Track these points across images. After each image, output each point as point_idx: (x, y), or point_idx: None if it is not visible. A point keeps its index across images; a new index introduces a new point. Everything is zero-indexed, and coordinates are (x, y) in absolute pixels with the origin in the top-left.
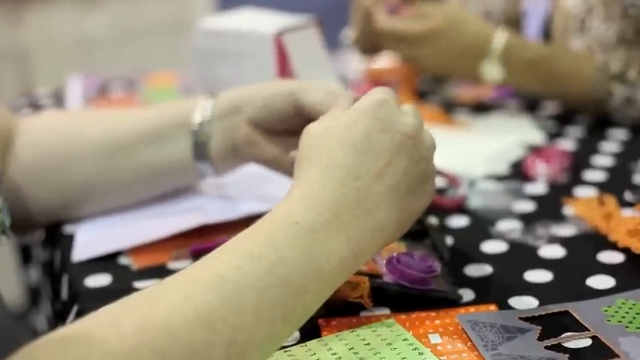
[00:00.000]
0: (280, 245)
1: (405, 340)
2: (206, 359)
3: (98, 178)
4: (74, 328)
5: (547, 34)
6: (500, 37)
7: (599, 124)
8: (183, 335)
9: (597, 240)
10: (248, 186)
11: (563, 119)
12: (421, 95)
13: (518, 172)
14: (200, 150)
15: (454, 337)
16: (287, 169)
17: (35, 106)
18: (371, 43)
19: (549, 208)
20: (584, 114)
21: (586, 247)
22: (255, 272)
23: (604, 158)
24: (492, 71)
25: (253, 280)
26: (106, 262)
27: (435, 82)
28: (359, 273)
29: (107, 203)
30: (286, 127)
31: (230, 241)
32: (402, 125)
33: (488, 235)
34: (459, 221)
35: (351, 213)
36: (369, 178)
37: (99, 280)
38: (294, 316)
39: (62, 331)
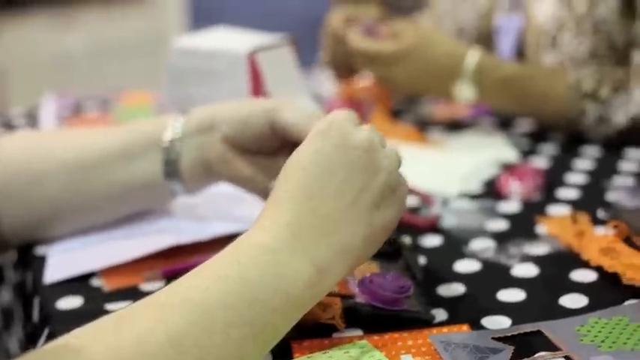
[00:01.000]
0: (244, 266)
1: None
2: None
3: (69, 197)
4: (42, 352)
5: (520, 50)
6: (472, 57)
7: (573, 141)
8: (155, 358)
9: (570, 259)
10: (220, 206)
11: (537, 137)
12: (395, 114)
13: (492, 191)
14: (171, 168)
15: (427, 357)
16: (260, 189)
17: (8, 126)
18: (343, 65)
19: (522, 226)
20: (558, 132)
21: (559, 265)
22: (221, 292)
23: (577, 176)
24: (465, 91)
25: (220, 300)
26: (78, 283)
27: (410, 100)
28: (331, 294)
29: (79, 222)
30: (261, 147)
31: (199, 266)
32: (355, 140)
33: (462, 255)
34: (432, 240)
35: (309, 232)
36: (325, 196)
37: (70, 302)
38: (264, 336)
39: (31, 355)
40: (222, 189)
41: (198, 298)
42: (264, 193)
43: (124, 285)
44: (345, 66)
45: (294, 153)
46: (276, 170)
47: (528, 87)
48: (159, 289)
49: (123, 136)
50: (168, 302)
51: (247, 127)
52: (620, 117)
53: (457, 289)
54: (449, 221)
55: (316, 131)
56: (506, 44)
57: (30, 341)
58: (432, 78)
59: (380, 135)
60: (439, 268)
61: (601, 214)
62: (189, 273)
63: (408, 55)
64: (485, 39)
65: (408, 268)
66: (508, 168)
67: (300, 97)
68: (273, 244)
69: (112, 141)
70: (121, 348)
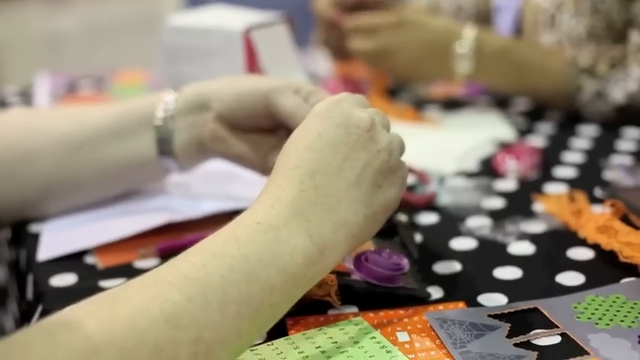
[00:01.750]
0: (243, 243)
1: (373, 338)
2: (172, 357)
3: (62, 175)
4: (37, 327)
5: (519, 30)
6: (469, 31)
7: (570, 120)
8: (149, 334)
9: (567, 236)
10: (214, 184)
11: (534, 116)
12: (392, 93)
13: (488, 169)
14: (164, 145)
15: (422, 335)
16: (255, 165)
17: (2, 104)
18: (337, 47)
19: (519, 204)
20: (555, 110)
21: (556, 243)
22: (218, 270)
23: (574, 155)
24: (461, 65)
25: (217, 277)
26: (72, 261)
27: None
28: None
29: (72, 200)
30: (255, 124)
31: (197, 244)
32: (357, 119)
33: (458, 232)
34: (428, 218)
35: (311, 210)
36: (328, 174)
37: (64, 280)
38: (262, 314)
39: (25, 331)
40: (217, 166)
41: (194, 274)
42: (260, 169)
43: (118, 262)
44: (339, 49)
45: (296, 132)
46: (272, 146)
47: (525, 61)
48: (154, 267)
49: (115, 113)
50: (164, 279)
51: (241, 106)
52: (617, 93)
53: (453, 266)
54: (445, 199)
55: (318, 111)
56: (505, 23)
57: (24, 319)
58: (428, 52)
59: (384, 117)
60: (435, 246)
61: (598, 192)
62: (187, 250)
63: (405, 26)
64: (484, 18)
65: (404, 246)
66: (505, 146)
67: (296, 76)
68: (274, 221)
69: (104, 118)
70: (115, 323)
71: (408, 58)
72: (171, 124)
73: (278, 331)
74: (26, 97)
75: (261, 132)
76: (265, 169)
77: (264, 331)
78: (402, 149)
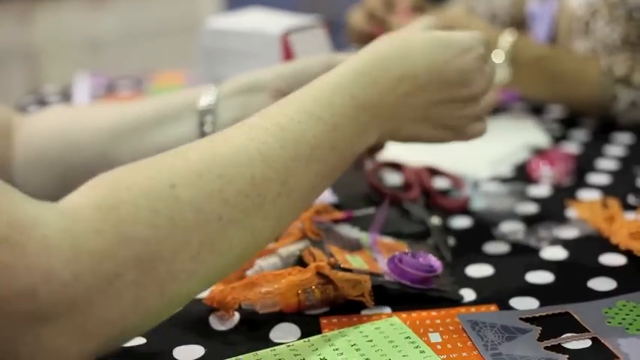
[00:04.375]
0: (336, 113)
1: (407, 337)
2: (262, 192)
3: (104, 163)
4: (146, 159)
5: (553, 36)
6: (507, 37)
7: (604, 127)
8: (246, 168)
9: (599, 242)
10: None
11: (569, 123)
12: None
13: (523, 175)
14: (207, 130)
15: (454, 336)
16: None
17: (43, 104)
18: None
19: (552, 210)
20: (589, 118)
21: (588, 249)
22: (312, 130)
23: (608, 162)
24: (499, 71)
25: (309, 136)
26: None
27: None
28: (360, 272)
29: None
30: None
31: (290, 96)
32: (471, 78)
33: (491, 237)
34: (462, 222)
35: (392, 110)
36: (420, 95)
37: None
38: (332, 178)
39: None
40: None
41: (290, 127)
42: None
43: None
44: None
45: (420, 45)
46: None
47: (561, 69)
48: None
49: (158, 102)
50: (261, 125)
51: (305, 78)
52: None
53: (486, 270)
54: (479, 204)
55: (460, 44)
56: (540, 31)
57: None
58: None
59: (492, 80)
60: (468, 249)
61: (631, 199)
62: (278, 102)
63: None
64: (519, 25)
65: (437, 249)
66: (539, 152)
67: None
68: (367, 103)
69: (146, 107)
70: (216, 155)
71: None
72: (215, 109)
73: (312, 330)
74: (66, 97)
75: None
76: None
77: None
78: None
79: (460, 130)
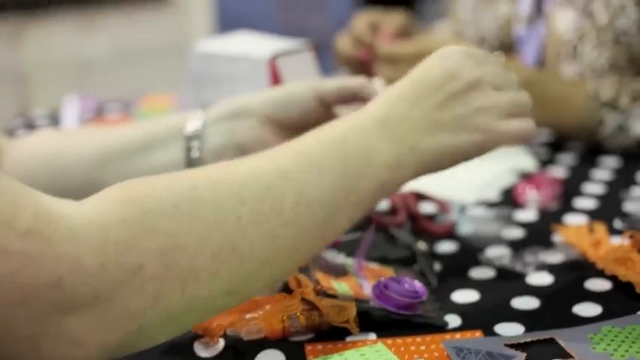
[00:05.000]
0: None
1: None
2: (279, 198)
3: (90, 189)
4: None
5: (541, 60)
6: None
7: (591, 151)
8: (260, 178)
9: (585, 267)
10: None
11: (556, 146)
12: None
13: (509, 199)
14: (193, 156)
15: None
16: None
17: (31, 127)
18: (358, 69)
19: (539, 235)
20: (577, 142)
21: (574, 274)
22: (321, 153)
23: (595, 186)
24: None
25: (318, 155)
26: None
27: None
28: (345, 298)
29: None
30: (305, 122)
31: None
32: (462, 73)
33: (477, 262)
34: (448, 247)
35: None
36: (418, 105)
37: None
38: (350, 194)
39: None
40: None
41: (303, 149)
42: None
43: None
44: (361, 70)
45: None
46: None
47: (548, 92)
48: None
49: (145, 127)
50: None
51: (292, 104)
52: (639, 127)
53: (472, 295)
54: (465, 228)
55: (440, 53)
56: (528, 54)
57: None
58: None
59: (498, 76)
60: (454, 275)
61: (617, 224)
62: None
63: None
64: (507, 49)
65: (423, 274)
66: (526, 177)
67: None
68: (364, 124)
69: (133, 132)
70: (231, 167)
71: None
72: (202, 134)
73: (297, 357)
74: (54, 120)
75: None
76: None
77: (349, 213)
78: (512, 112)
79: (488, 128)
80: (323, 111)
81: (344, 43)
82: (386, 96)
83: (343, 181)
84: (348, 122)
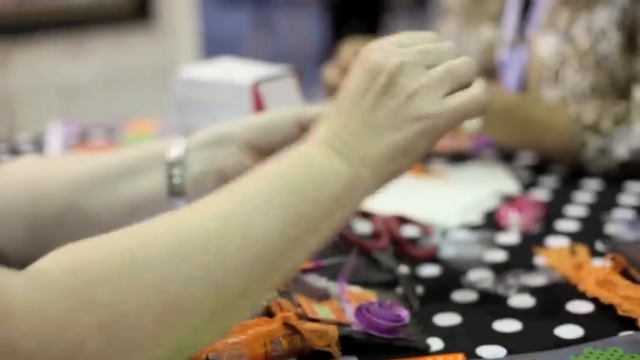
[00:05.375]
0: (285, 166)
1: None
2: (221, 246)
3: (71, 215)
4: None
5: (524, 85)
6: None
7: (574, 174)
8: (199, 227)
9: (567, 290)
10: None
11: (539, 169)
12: None
13: (492, 222)
14: (174, 183)
15: None
16: None
17: (15, 152)
18: None
19: (521, 257)
20: (559, 165)
21: (555, 296)
22: (265, 183)
23: (577, 208)
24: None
25: (264, 189)
26: None
27: None
28: (327, 321)
29: (81, 239)
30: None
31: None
32: (379, 65)
33: (459, 285)
34: (430, 270)
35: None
36: (352, 115)
37: None
38: (301, 224)
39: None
40: None
41: (240, 189)
42: None
43: None
44: None
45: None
46: None
47: (530, 116)
48: None
49: (127, 154)
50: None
51: (274, 130)
52: (621, 150)
53: (454, 318)
54: (448, 252)
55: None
56: (511, 79)
57: None
58: None
59: (426, 54)
60: (436, 298)
61: (599, 246)
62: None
63: None
64: (490, 73)
65: (405, 298)
66: (508, 200)
67: None
68: (310, 149)
69: (115, 159)
70: (170, 220)
71: None
72: (183, 161)
73: None
74: (38, 146)
75: None
76: None
77: (307, 243)
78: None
79: (428, 113)
80: (299, 132)
81: (332, 74)
82: (327, 116)
83: (293, 212)
84: (295, 151)
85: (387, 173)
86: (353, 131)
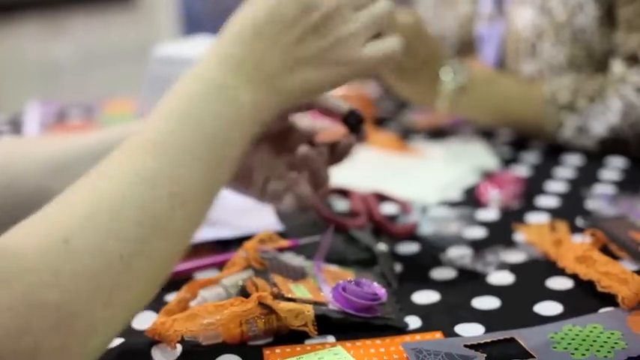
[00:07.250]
0: (201, 103)
1: None
2: (155, 214)
3: (45, 196)
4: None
5: (501, 58)
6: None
7: (554, 150)
8: (131, 198)
9: (546, 266)
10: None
11: (518, 145)
12: (379, 122)
13: (471, 199)
14: None
15: None
16: (251, 188)
17: None
18: None
19: (500, 234)
20: (540, 140)
21: (535, 273)
22: (184, 133)
23: (557, 184)
24: (448, 79)
25: (184, 139)
26: None
27: (394, 108)
28: (303, 301)
29: None
30: (259, 144)
31: (159, 105)
32: (322, 4)
33: (438, 262)
34: (409, 248)
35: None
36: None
37: None
38: (226, 168)
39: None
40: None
41: (161, 139)
42: (257, 194)
43: None
44: None
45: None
46: (273, 169)
47: (507, 95)
48: None
49: (101, 135)
50: (135, 144)
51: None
52: (598, 127)
53: (432, 296)
54: (427, 229)
55: None
56: (488, 53)
57: None
58: (422, 64)
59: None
60: (415, 276)
61: (580, 222)
62: (150, 115)
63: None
64: (468, 47)
65: (384, 276)
66: (488, 176)
67: None
68: (224, 75)
69: (87, 141)
70: (99, 193)
71: (407, 70)
72: None
73: None
74: (16, 126)
75: (266, 154)
76: (263, 194)
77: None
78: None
79: (351, 60)
80: (279, 118)
81: None
82: (239, 33)
83: (216, 160)
84: (203, 82)
85: (294, 102)
86: (271, 60)
